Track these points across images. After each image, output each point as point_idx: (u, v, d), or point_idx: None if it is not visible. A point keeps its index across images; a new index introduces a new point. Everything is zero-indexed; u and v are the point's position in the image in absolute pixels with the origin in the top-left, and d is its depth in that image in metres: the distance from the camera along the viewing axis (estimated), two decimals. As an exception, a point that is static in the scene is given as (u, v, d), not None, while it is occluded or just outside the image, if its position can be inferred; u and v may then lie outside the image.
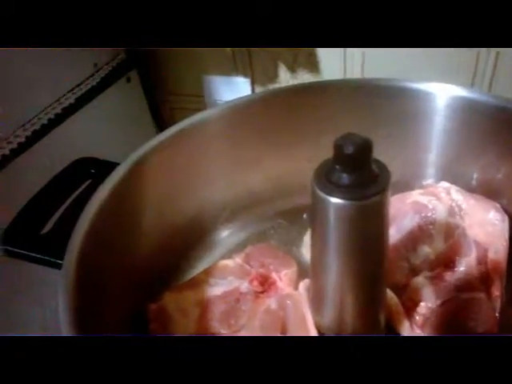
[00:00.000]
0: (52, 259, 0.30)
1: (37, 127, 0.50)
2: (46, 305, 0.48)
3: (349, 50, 0.56)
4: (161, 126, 0.73)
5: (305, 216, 0.46)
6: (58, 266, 0.27)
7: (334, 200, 0.25)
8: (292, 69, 0.61)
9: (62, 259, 0.27)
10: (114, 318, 0.31)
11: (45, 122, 0.51)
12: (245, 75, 0.63)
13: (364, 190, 0.25)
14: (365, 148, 0.24)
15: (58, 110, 0.53)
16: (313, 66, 0.59)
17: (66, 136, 0.53)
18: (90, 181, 0.36)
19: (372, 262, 0.29)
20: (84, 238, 0.29)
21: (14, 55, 0.45)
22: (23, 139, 0.49)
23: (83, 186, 0.35)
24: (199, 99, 0.68)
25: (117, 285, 0.32)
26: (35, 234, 0.32)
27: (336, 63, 0.58)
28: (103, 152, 0.43)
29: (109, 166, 0.35)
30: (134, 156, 0.35)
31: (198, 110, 0.68)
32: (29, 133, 0.49)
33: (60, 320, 0.23)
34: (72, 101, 0.54)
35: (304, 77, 0.61)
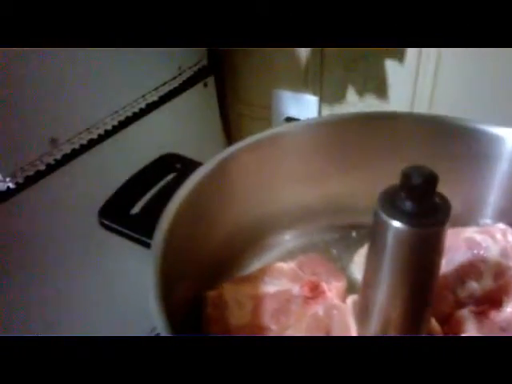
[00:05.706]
0: (140, 237, 0.34)
1: (122, 118, 0.55)
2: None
3: (420, 81, 0.57)
4: (227, 129, 0.77)
5: (354, 234, 0.49)
6: (145, 244, 0.32)
7: (396, 224, 0.27)
8: (361, 93, 0.62)
9: (149, 238, 0.31)
10: (179, 298, 0.35)
11: (129, 114, 0.56)
12: (314, 93, 0.65)
13: (425, 218, 0.27)
14: (431, 180, 0.26)
15: (143, 106, 0.57)
16: (382, 92, 0.60)
17: (147, 129, 0.58)
18: (174, 174, 0.40)
19: (421, 288, 0.31)
20: (170, 222, 0.33)
21: (108, 55, 0.51)
22: (110, 127, 0.54)
23: (168, 178, 0.40)
24: (266, 110, 0.70)
25: (187, 269, 0.36)
26: (126, 213, 0.37)
27: (404, 93, 0.58)
28: (177, 146, 0.47)
29: (192, 164, 0.39)
30: (217, 158, 0.39)
31: (264, 119, 0.73)
32: (115, 122, 0.55)
33: (148, 293, 0.28)
34: (156, 98, 0.59)
35: (371, 102, 0.61)
